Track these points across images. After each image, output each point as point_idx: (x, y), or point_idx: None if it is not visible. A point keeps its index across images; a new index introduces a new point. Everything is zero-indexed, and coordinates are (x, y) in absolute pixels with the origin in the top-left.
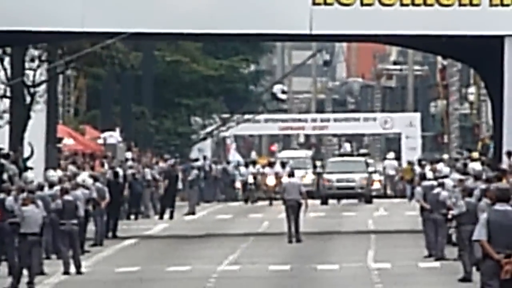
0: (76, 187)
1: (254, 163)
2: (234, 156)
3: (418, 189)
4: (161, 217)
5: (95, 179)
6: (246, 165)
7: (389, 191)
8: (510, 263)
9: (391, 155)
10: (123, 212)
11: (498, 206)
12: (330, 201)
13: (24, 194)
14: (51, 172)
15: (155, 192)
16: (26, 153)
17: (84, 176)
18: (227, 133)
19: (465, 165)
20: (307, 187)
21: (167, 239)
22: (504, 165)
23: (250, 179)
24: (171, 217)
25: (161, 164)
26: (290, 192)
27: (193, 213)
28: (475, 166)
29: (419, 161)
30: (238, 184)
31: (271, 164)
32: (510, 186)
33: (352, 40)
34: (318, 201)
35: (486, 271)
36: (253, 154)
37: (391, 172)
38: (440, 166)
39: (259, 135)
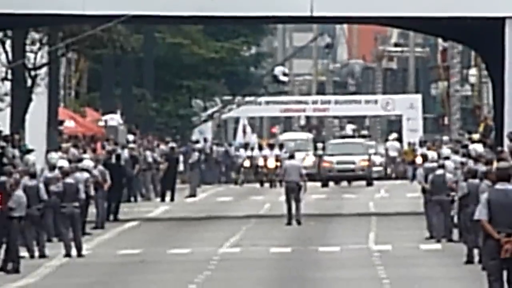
0: (77, 170)
1: (246, 145)
2: (251, 137)
3: (420, 170)
4: (162, 199)
5: (97, 161)
6: (245, 147)
7: (390, 173)
8: (510, 242)
9: (393, 136)
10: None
11: (499, 186)
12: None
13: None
14: (52, 154)
15: (155, 175)
16: (28, 136)
17: (86, 161)
18: (232, 114)
19: (466, 146)
20: (308, 169)
21: (168, 221)
22: (506, 147)
23: (246, 162)
24: (172, 199)
25: (162, 146)
26: (290, 174)
27: (194, 195)
28: (477, 147)
29: (421, 142)
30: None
31: (271, 146)
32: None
33: (353, 22)
34: (318, 184)
35: (487, 250)
36: (254, 136)
37: (393, 153)
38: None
39: (260, 117)
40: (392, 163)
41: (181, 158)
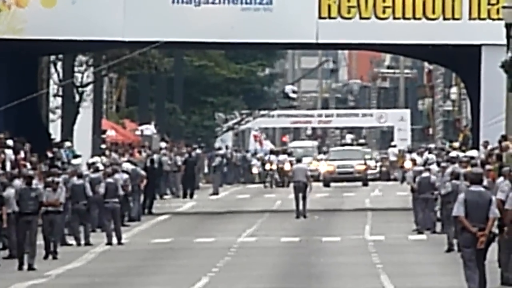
0: (116, 172)
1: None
2: (267, 145)
3: (410, 173)
4: (184, 196)
5: (134, 164)
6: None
7: (390, 174)
8: (483, 235)
9: (394, 143)
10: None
11: (473, 188)
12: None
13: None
14: (94, 159)
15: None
16: (75, 143)
17: (126, 164)
18: (249, 125)
19: (448, 153)
20: (312, 172)
21: (195, 215)
22: (482, 154)
23: (268, 166)
24: (191, 196)
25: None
26: (297, 175)
27: (217, 193)
28: (460, 154)
29: (409, 149)
30: (254, 170)
31: (277, 153)
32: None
33: (352, 48)
34: (321, 184)
35: (463, 242)
36: (269, 144)
37: (393, 158)
38: (426, 154)
39: (273, 128)
40: (392, 166)
41: (205, 162)
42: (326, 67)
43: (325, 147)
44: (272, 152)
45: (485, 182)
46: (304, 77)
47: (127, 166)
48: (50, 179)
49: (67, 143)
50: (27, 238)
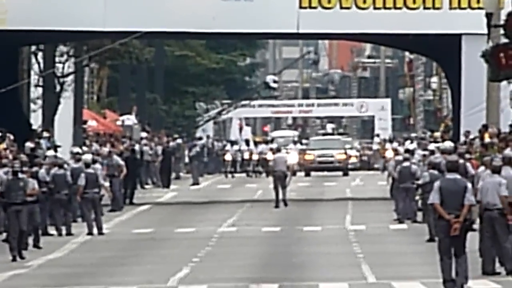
0: (96, 162)
1: (247, 141)
2: (247, 132)
3: (391, 162)
4: (163, 186)
5: (116, 154)
6: (247, 143)
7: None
8: (458, 222)
9: (377, 132)
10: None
11: (449, 175)
12: (312, 173)
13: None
14: (75, 149)
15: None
16: (56, 134)
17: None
18: (230, 115)
19: (430, 142)
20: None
21: (175, 205)
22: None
23: (246, 155)
24: (167, 186)
25: (172, 143)
26: (277, 165)
27: (197, 183)
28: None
29: (390, 139)
30: (227, 157)
31: (256, 143)
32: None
33: (333, 38)
34: (302, 173)
35: (439, 229)
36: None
37: (376, 147)
38: (408, 144)
39: (254, 118)
40: (374, 155)
41: (186, 152)
42: (307, 58)
43: (304, 139)
44: (247, 142)
45: (473, 172)
46: (287, 68)
47: (87, 157)
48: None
49: (45, 134)
50: (17, 228)
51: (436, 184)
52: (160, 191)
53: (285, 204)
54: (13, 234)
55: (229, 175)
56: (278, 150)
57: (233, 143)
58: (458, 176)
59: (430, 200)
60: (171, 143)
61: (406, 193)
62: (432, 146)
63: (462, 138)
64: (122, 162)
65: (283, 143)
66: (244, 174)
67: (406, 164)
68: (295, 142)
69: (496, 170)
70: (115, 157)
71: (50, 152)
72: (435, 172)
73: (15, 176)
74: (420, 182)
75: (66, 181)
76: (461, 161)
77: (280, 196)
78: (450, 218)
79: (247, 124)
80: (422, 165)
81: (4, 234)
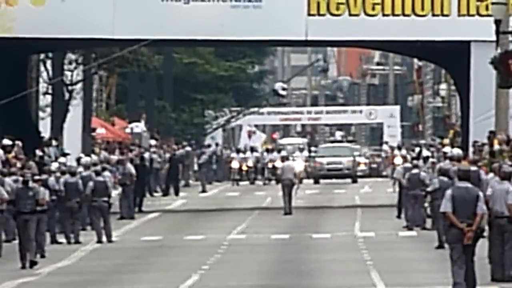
0: (105, 170)
1: (252, 148)
2: (258, 140)
3: (399, 169)
4: (167, 194)
5: (125, 161)
6: (252, 150)
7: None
8: (471, 231)
9: (386, 140)
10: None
11: (461, 184)
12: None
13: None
14: (84, 158)
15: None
16: (65, 141)
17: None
18: (239, 122)
19: (438, 150)
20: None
21: (184, 212)
22: (471, 155)
23: (250, 163)
24: (176, 194)
25: (181, 150)
26: (286, 173)
27: (205, 191)
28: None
29: (399, 146)
30: (234, 164)
31: (268, 150)
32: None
33: (341, 45)
34: (311, 181)
35: (451, 237)
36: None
37: (385, 154)
38: (417, 150)
39: (263, 125)
40: (383, 162)
41: (195, 159)
42: (317, 65)
43: (313, 146)
44: (252, 149)
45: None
46: (297, 75)
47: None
48: (38, 177)
49: (54, 142)
50: (26, 236)
51: (448, 192)
52: (169, 198)
53: (290, 213)
54: (23, 243)
55: (236, 183)
56: (286, 158)
57: (239, 150)
58: (469, 185)
59: (442, 208)
60: (180, 151)
61: (415, 200)
62: (446, 149)
63: (471, 149)
64: (134, 171)
65: (291, 151)
66: (247, 182)
67: (415, 171)
68: (301, 150)
69: (506, 177)
70: (128, 165)
71: (62, 159)
72: (445, 179)
73: (25, 185)
74: (429, 189)
75: (78, 189)
76: (474, 168)
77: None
78: (463, 227)
79: (262, 131)
80: (431, 172)
81: (14, 242)
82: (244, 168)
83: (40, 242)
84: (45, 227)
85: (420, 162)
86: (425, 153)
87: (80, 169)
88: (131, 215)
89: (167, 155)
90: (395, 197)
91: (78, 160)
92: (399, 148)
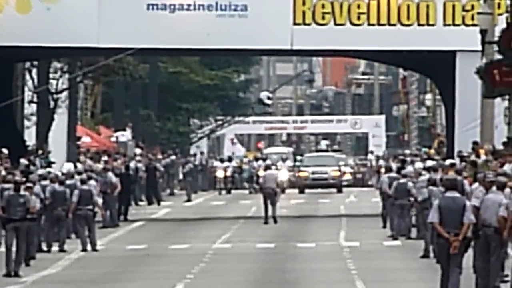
0: (90, 178)
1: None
2: (240, 150)
3: (384, 178)
4: (149, 204)
5: (107, 170)
6: (229, 160)
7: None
8: (457, 241)
9: (371, 149)
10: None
11: (448, 194)
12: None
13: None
14: (66, 165)
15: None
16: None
17: (67, 165)
18: (224, 131)
19: (425, 160)
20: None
21: (169, 221)
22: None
23: (229, 172)
24: (158, 203)
25: (167, 159)
26: (267, 182)
27: (190, 200)
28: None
29: (384, 156)
30: (219, 173)
31: (257, 159)
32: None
33: (327, 55)
34: (296, 190)
35: (438, 247)
36: (242, 149)
37: (370, 164)
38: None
39: (248, 134)
40: (368, 172)
41: (180, 168)
42: (303, 76)
43: (298, 156)
44: (229, 158)
45: (468, 189)
46: (283, 85)
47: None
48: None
49: (40, 151)
50: (14, 245)
51: (435, 202)
52: (154, 207)
53: (275, 221)
54: (9, 251)
55: (224, 192)
56: (268, 167)
57: (222, 160)
58: (457, 194)
59: (430, 219)
60: (166, 160)
61: (402, 210)
62: (430, 163)
63: (457, 159)
64: (115, 179)
65: (276, 160)
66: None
67: (402, 180)
68: (283, 160)
69: (501, 187)
70: (109, 174)
71: (42, 171)
72: (434, 188)
73: (17, 192)
74: (420, 198)
75: (65, 197)
76: (459, 178)
77: (270, 213)
78: (449, 236)
79: (247, 140)
80: (416, 181)
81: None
82: (220, 175)
83: (28, 250)
84: (34, 235)
85: (410, 169)
86: (419, 164)
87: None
88: (113, 224)
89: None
90: (380, 207)
91: (48, 164)
92: (384, 158)
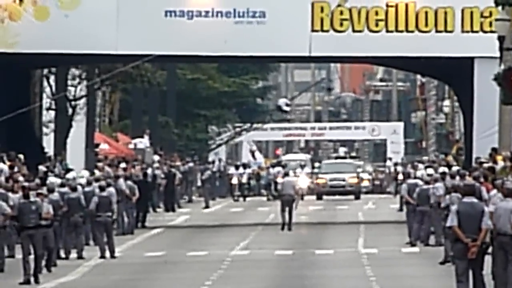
0: (109, 185)
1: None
2: (260, 158)
3: (404, 186)
4: (167, 210)
5: (126, 178)
6: (244, 167)
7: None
8: (475, 246)
9: (390, 156)
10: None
11: (466, 199)
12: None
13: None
14: (82, 173)
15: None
16: (68, 157)
17: (83, 173)
18: (242, 138)
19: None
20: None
21: (188, 228)
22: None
23: (245, 179)
24: (172, 210)
25: (185, 166)
26: (286, 189)
27: (208, 207)
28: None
29: (402, 162)
30: (234, 180)
31: (273, 166)
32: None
33: (345, 61)
34: (314, 197)
35: (456, 252)
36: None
37: (389, 170)
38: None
39: (266, 141)
40: (386, 179)
41: (198, 175)
42: (322, 85)
43: (316, 162)
44: (244, 165)
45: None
46: (302, 93)
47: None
48: (41, 191)
49: (58, 157)
50: (31, 252)
51: (454, 207)
52: (172, 214)
53: (289, 229)
54: (25, 259)
55: (240, 199)
56: (286, 174)
57: (237, 166)
58: (475, 200)
59: (449, 223)
60: (184, 166)
61: (422, 216)
62: (443, 169)
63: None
64: (124, 187)
65: (294, 167)
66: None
67: (425, 187)
68: (302, 167)
69: (510, 194)
70: (120, 181)
71: (54, 179)
72: (457, 194)
73: (27, 199)
74: (443, 205)
75: (80, 203)
76: (476, 184)
77: (286, 220)
78: (468, 241)
79: (265, 147)
80: (433, 187)
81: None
82: (234, 182)
83: (49, 256)
84: (52, 242)
85: (422, 172)
86: (442, 169)
87: (83, 181)
88: (129, 231)
89: (172, 170)
90: (399, 214)
91: (67, 171)
92: (403, 164)
